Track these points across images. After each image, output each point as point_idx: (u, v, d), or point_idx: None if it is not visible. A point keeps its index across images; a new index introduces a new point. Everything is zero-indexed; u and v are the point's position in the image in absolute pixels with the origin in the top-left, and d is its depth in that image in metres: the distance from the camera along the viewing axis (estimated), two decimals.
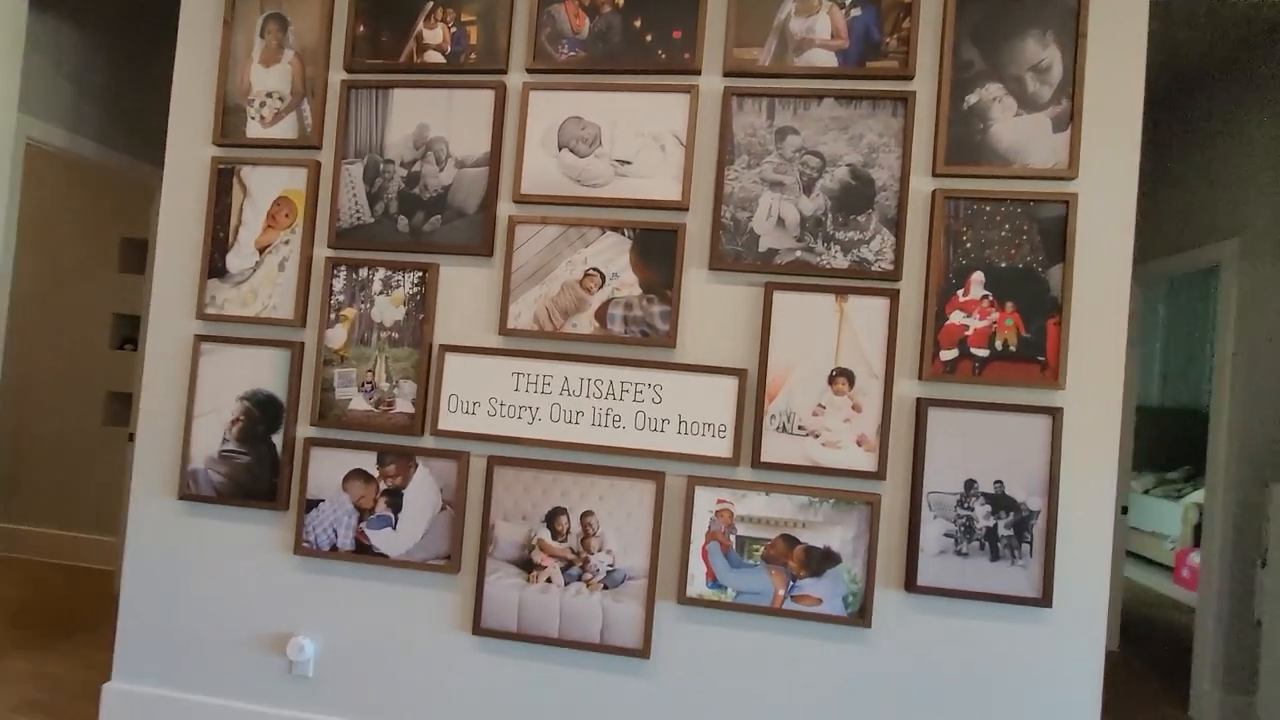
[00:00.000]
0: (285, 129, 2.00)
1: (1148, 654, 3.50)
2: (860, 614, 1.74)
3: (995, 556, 1.70)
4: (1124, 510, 3.55)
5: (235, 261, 2.02)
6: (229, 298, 2.01)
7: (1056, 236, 1.70)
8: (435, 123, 1.94)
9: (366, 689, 1.93)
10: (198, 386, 2.01)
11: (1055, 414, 1.68)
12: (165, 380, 2.05)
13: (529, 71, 1.91)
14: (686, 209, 1.83)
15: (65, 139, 2.61)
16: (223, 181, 2.02)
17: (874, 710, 1.74)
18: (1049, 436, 1.69)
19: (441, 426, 1.90)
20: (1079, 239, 1.71)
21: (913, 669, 1.73)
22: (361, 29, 1.98)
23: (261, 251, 2.00)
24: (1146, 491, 5.95)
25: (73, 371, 3.45)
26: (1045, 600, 1.67)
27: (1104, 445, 1.69)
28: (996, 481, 1.71)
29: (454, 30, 1.94)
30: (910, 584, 1.72)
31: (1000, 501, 1.71)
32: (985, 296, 1.73)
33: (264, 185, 2.01)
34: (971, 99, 1.75)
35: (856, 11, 1.79)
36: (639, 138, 1.85)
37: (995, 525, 1.70)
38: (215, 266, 2.02)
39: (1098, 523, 1.69)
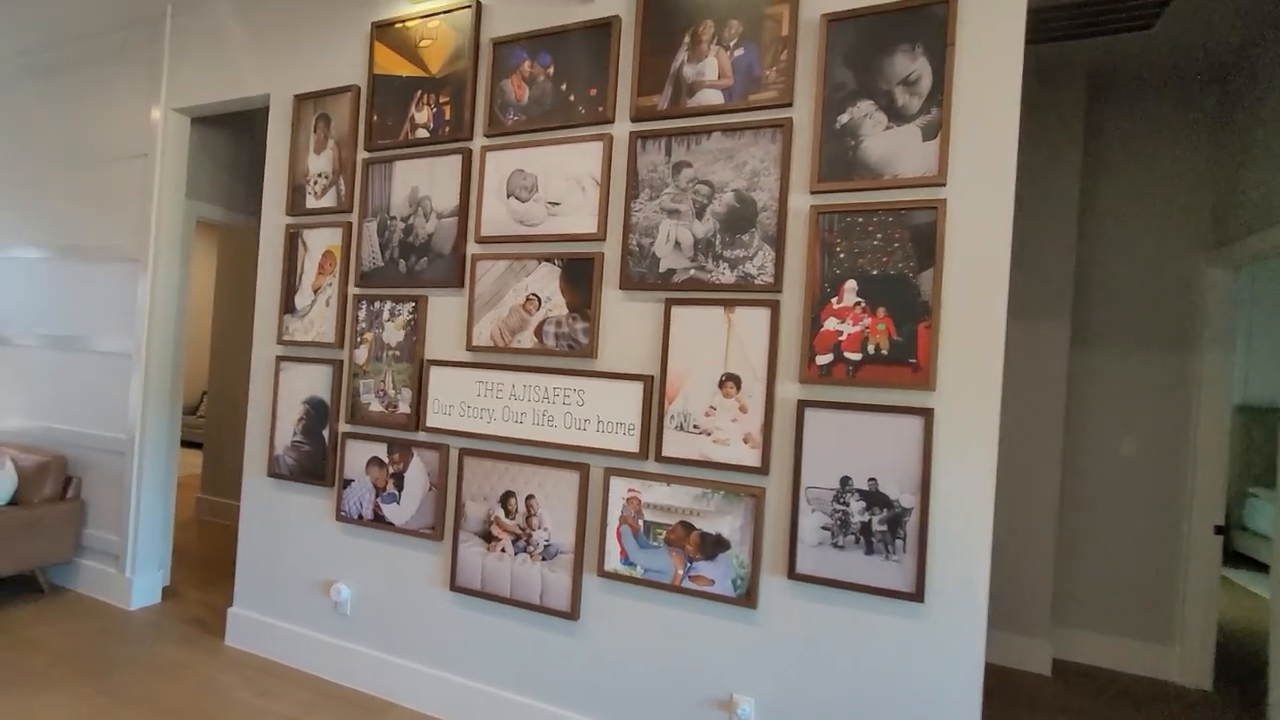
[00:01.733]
0: (329, 200, 2.66)
1: (1254, 695, 3.00)
2: (747, 596, 1.91)
3: (870, 550, 1.79)
4: (1218, 530, 3.08)
5: (300, 300, 2.71)
6: (297, 328, 2.71)
7: (927, 242, 1.75)
8: (423, 184, 2.46)
9: (383, 627, 2.49)
10: (279, 394, 2.73)
11: (927, 415, 1.73)
12: (261, 390, 2.81)
13: (486, 136, 2.35)
14: (603, 239, 2.15)
15: (223, 215, 3.59)
16: (292, 242, 2.73)
17: (760, 684, 1.90)
18: (922, 436, 1.74)
19: (429, 424, 2.41)
20: (949, 243, 1.74)
21: (795, 650, 1.87)
22: (375, 117, 2.57)
23: (315, 292, 2.67)
24: None
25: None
26: (918, 595, 1.73)
27: (981, 446, 1.70)
28: (870, 479, 1.79)
29: (435, 110, 2.45)
30: (792, 571, 1.87)
31: (874, 498, 1.79)
32: (858, 303, 1.82)
33: (317, 242, 2.68)
34: (844, 118, 1.85)
35: (740, 51, 1.98)
36: (565, 181, 2.21)
37: (869, 520, 1.79)
38: (288, 305, 2.73)
39: (975, 522, 1.70)
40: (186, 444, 7.47)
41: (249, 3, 2.94)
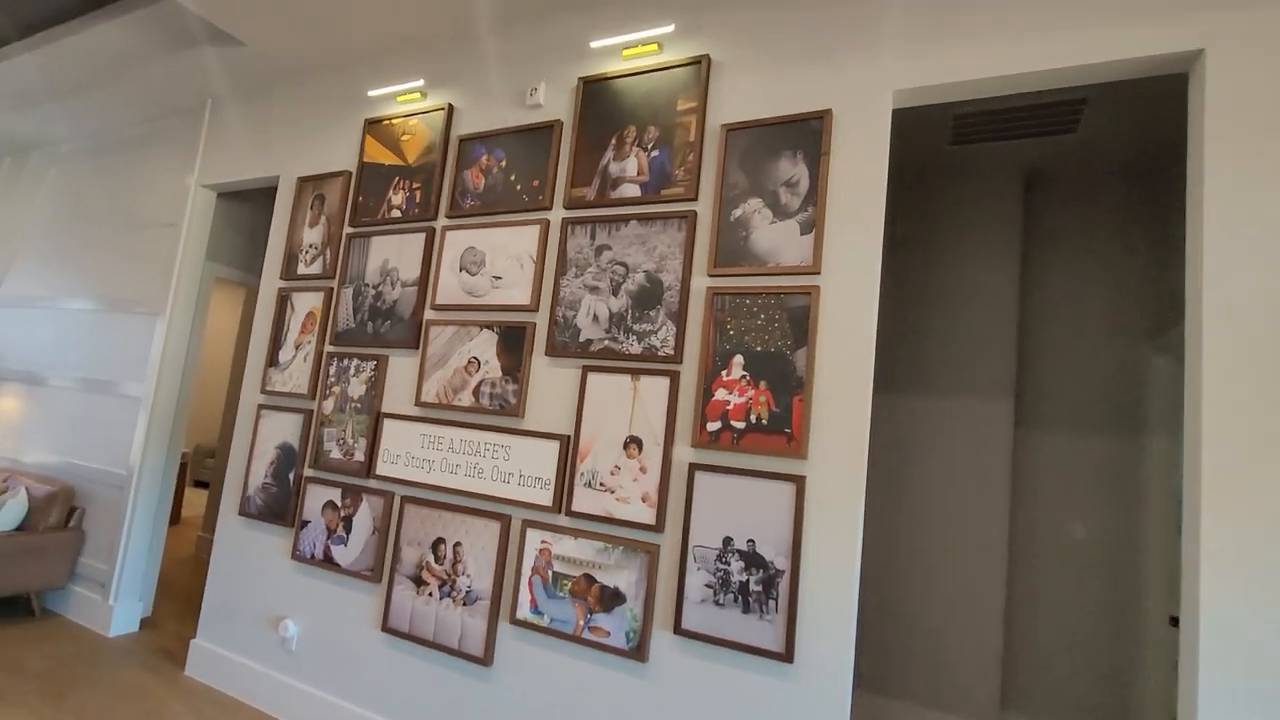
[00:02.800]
0: (316, 267, 3.00)
1: None
2: (638, 649, 2.01)
3: (747, 609, 1.89)
4: (1173, 621, 3.00)
5: (283, 355, 3.02)
6: (278, 379, 3.00)
7: (803, 323, 1.94)
8: (393, 257, 2.78)
9: (323, 664, 2.63)
10: (257, 438, 3.00)
11: (799, 482, 1.87)
12: (243, 434, 3.08)
13: (447, 217, 2.67)
14: (535, 310, 2.40)
15: (239, 275, 4.01)
16: (282, 303, 3.07)
17: None
18: (794, 502, 1.87)
19: (378, 472, 2.62)
20: (821, 325, 1.92)
21: (679, 706, 1.95)
22: (360, 198, 2.93)
23: (297, 348, 2.98)
24: None
25: None
26: (788, 656, 1.81)
27: (847, 514, 1.82)
28: (749, 540, 1.92)
29: (408, 194, 2.79)
30: (678, 627, 1.97)
31: (752, 559, 1.90)
32: (744, 376, 2.00)
33: (302, 304, 3.01)
34: (737, 212, 2.10)
35: (655, 152, 2.27)
36: (508, 259, 2.49)
37: (747, 580, 1.90)
38: (272, 358, 3.04)
39: (842, 588, 1.80)
40: (204, 484, 7.84)
41: (272, 101, 3.42)
